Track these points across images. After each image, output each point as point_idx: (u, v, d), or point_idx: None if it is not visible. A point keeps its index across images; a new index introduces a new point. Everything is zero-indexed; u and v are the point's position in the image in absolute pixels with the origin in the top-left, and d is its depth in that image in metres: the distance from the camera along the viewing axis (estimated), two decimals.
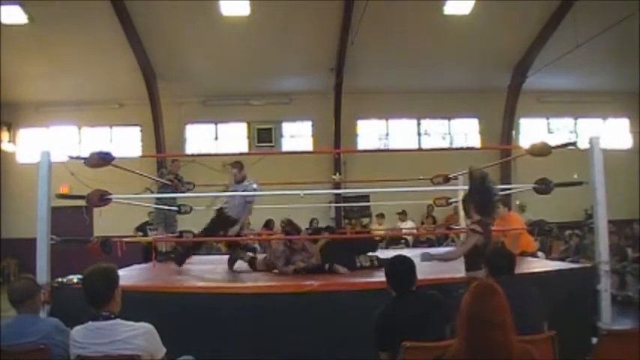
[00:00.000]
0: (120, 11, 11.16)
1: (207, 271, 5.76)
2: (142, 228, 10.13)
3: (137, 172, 6.19)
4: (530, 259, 6.15)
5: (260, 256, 6.25)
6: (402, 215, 11.88)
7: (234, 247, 6.23)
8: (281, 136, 14.10)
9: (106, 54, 12.01)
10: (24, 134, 13.77)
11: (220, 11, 11.24)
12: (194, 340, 3.84)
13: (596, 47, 10.79)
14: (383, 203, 11.60)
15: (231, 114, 13.86)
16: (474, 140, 14.22)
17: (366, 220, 13.17)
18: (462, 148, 14.66)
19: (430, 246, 10.64)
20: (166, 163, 9.32)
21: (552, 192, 5.08)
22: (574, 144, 5.67)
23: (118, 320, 2.61)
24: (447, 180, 6.89)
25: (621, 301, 7.63)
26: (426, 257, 3.98)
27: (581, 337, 3.81)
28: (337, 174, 13.04)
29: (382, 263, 4.76)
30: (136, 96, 13.03)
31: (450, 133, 14.46)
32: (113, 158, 4.66)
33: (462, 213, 8.23)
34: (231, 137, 13.96)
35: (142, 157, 12.82)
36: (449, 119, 14.40)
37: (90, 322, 2.61)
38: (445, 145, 14.19)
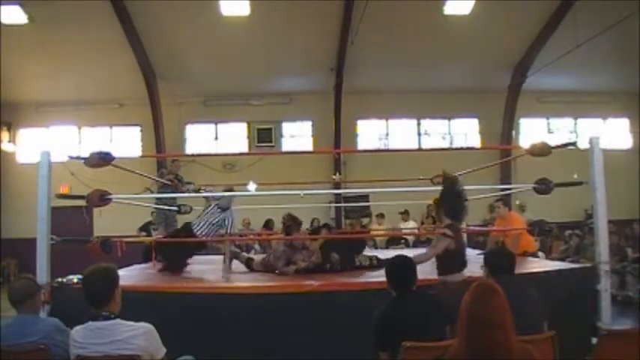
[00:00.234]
0: (120, 11, 11.16)
1: (207, 271, 5.75)
2: (145, 228, 10.12)
3: (137, 172, 6.17)
4: (530, 259, 6.15)
5: (258, 257, 6.24)
6: (405, 215, 11.87)
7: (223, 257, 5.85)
8: (281, 136, 14.10)
9: (106, 54, 12.01)
10: (24, 134, 13.78)
11: (220, 11, 11.24)
12: (194, 340, 3.84)
13: (596, 47, 10.79)
14: (383, 203, 11.59)
15: (231, 114, 13.86)
16: (474, 140, 14.22)
17: (365, 220, 13.17)
18: (462, 148, 14.66)
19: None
20: (166, 163, 9.31)
21: (552, 192, 5.07)
22: (574, 144, 5.67)
23: (118, 320, 2.61)
24: None
25: (621, 301, 7.63)
26: None
27: (581, 337, 3.81)
28: (337, 174, 13.04)
29: (382, 263, 4.76)
30: (136, 96, 13.03)
31: (450, 133, 14.46)
32: (113, 158, 4.65)
33: None
34: (231, 137, 13.97)
35: (142, 157, 12.83)
36: (449, 119, 14.40)
37: (90, 322, 2.61)
38: (445, 145, 14.19)
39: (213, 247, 6.83)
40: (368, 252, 6.46)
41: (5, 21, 10.78)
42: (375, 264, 5.56)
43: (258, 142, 13.74)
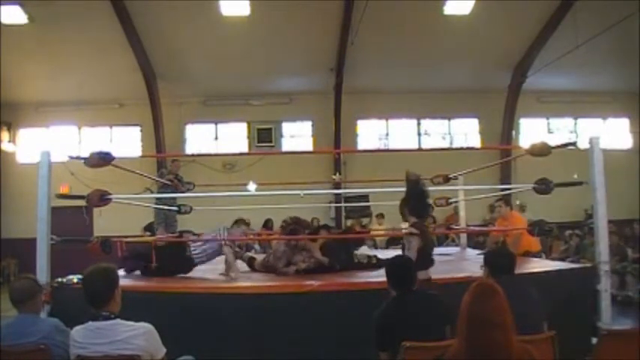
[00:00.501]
0: (120, 11, 11.16)
1: (207, 270, 5.75)
2: (149, 228, 10.12)
3: (137, 172, 6.18)
4: (530, 259, 6.14)
5: (259, 257, 6.23)
6: None
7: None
8: (281, 136, 14.09)
9: (106, 54, 12.00)
10: (24, 134, 13.77)
11: (220, 11, 11.24)
12: (194, 340, 3.84)
13: (596, 47, 10.79)
14: (383, 203, 11.56)
15: (231, 114, 13.86)
16: (474, 140, 14.22)
17: (366, 220, 13.17)
18: (462, 148, 14.67)
19: None
20: (166, 163, 9.32)
21: (552, 192, 5.08)
22: (574, 144, 5.67)
23: (118, 320, 2.61)
24: (447, 180, 6.89)
25: (621, 301, 7.63)
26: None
27: (581, 337, 3.81)
28: (337, 174, 13.05)
29: (381, 262, 4.76)
30: (136, 96, 13.03)
31: (450, 133, 14.46)
32: (113, 158, 4.66)
33: (462, 213, 8.26)
34: (231, 137, 13.96)
35: (142, 157, 12.84)
36: (449, 119, 14.40)
37: (90, 322, 2.61)
38: (445, 145, 14.19)
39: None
40: (368, 251, 6.47)
41: (5, 21, 10.77)
42: (375, 263, 5.56)
43: (258, 142, 13.74)
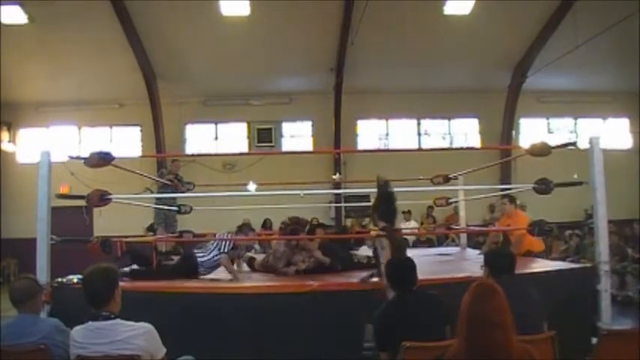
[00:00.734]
0: (120, 11, 11.16)
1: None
2: (152, 228, 10.11)
3: (137, 172, 6.17)
4: (531, 258, 6.13)
5: (259, 257, 6.23)
6: (407, 214, 11.87)
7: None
8: (281, 136, 14.10)
9: (106, 54, 12.01)
10: (24, 134, 13.78)
11: (220, 11, 11.24)
12: (194, 340, 3.83)
13: (596, 47, 10.79)
14: None
15: (231, 114, 13.87)
16: (474, 140, 14.22)
17: (366, 220, 13.17)
18: (462, 148, 14.68)
19: (430, 246, 10.64)
20: (166, 163, 9.31)
21: (552, 192, 5.07)
22: (574, 144, 5.66)
23: (118, 320, 2.61)
24: (447, 180, 6.89)
25: (621, 301, 7.63)
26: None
27: (581, 337, 3.80)
28: (337, 174, 13.05)
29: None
30: (136, 96, 13.03)
31: (450, 133, 14.46)
32: (113, 158, 4.65)
33: (462, 213, 8.26)
34: (231, 137, 13.97)
35: (142, 157, 12.84)
36: (449, 119, 14.40)
37: (90, 322, 2.61)
38: (445, 145, 14.19)
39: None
40: (368, 252, 6.46)
41: (5, 21, 10.77)
42: (373, 262, 5.55)
43: (258, 142, 13.75)
